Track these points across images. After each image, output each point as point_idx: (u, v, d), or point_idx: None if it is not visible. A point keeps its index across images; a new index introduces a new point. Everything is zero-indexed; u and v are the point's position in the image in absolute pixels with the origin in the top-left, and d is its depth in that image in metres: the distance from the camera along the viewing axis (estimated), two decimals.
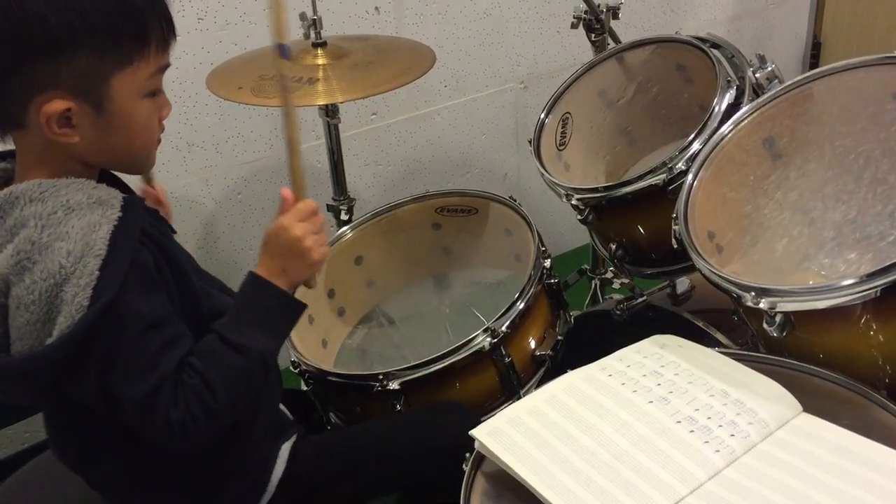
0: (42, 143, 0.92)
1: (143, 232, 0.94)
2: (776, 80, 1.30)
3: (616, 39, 1.72)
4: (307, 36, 1.57)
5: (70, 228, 0.88)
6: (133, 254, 0.90)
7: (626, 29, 1.72)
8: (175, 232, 1.10)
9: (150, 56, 0.93)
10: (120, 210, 0.91)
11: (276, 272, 1.01)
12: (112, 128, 0.93)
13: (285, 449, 1.15)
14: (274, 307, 1.01)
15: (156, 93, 0.97)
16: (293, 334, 1.40)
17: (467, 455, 0.95)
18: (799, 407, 0.96)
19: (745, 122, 1.25)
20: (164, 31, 0.94)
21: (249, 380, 0.97)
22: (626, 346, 1.10)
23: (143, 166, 1.05)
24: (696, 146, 1.26)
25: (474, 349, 1.26)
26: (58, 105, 0.88)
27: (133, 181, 1.08)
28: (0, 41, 0.86)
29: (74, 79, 0.88)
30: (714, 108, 1.28)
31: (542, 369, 1.38)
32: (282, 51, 0.99)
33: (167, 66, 0.97)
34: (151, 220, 1.02)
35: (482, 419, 1.00)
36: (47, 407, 1.04)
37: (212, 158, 1.93)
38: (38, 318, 0.86)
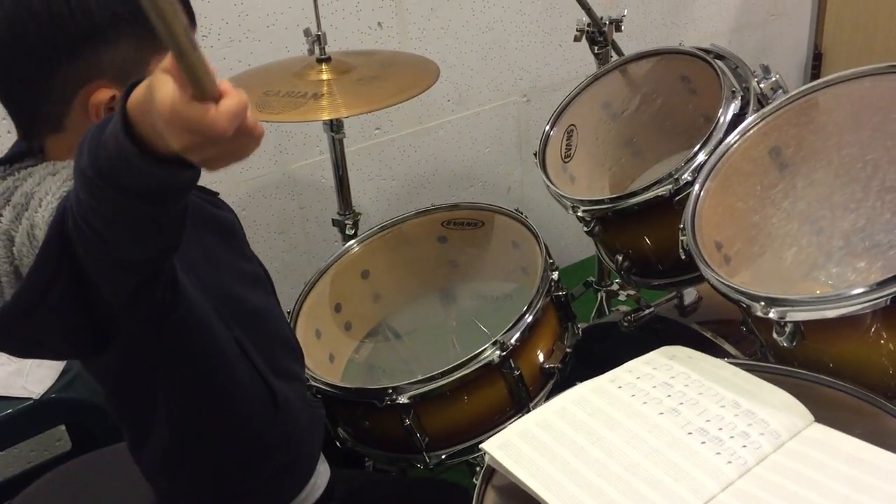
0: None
1: None
2: (780, 90, 1.31)
3: (619, 52, 1.72)
4: (311, 52, 1.57)
5: (52, 185, 0.85)
6: None
7: (628, 41, 1.73)
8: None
9: None
10: None
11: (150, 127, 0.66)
12: None
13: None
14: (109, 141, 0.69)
15: None
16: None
17: (478, 469, 0.95)
18: (810, 417, 0.95)
19: (751, 132, 1.25)
20: (192, 20, 0.95)
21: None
22: (635, 357, 1.10)
23: None
24: (701, 157, 1.26)
25: (483, 362, 1.25)
26: (104, 94, 0.88)
27: None
28: (46, 34, 0.85)
29: (116, 66, 0.88)
30: (719, 118, 1.28)
31: (552, 382, 1.37)
32: None
33: None
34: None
35: (492, 433, 0.99)
36: (103, 386, 1.01)
37: (215, 174, 1.91)
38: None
